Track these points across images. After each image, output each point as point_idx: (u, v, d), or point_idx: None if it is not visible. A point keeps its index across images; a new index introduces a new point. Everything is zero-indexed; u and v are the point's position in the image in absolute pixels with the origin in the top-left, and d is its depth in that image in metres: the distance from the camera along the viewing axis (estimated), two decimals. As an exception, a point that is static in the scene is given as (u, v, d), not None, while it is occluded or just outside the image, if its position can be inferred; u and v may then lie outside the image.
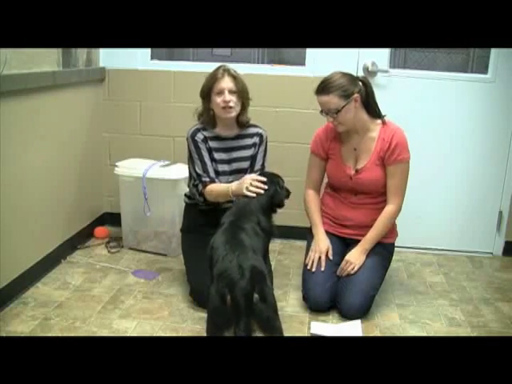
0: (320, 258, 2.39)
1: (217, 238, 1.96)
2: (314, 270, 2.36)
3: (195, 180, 2.40)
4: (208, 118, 2.39)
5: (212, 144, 2.41)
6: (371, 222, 2.40)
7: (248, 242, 1.91)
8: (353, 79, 2.32)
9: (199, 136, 2.39)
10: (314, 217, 2.49)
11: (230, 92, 2.31)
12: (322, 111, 2.32)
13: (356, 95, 2.28)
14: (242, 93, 2.34)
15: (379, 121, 2.37)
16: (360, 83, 2.33)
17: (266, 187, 2.15)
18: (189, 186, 2.51)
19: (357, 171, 2.37)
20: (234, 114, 2.35)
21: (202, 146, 2.39)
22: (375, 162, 2.35)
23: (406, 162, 2.34)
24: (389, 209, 2.36)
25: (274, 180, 2.21)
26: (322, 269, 2.36)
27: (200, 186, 2.37)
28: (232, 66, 2.46)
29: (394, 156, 2.32)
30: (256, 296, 1.75)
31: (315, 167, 2.51)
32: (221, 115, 2.36)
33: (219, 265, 1.82)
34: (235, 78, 2.32)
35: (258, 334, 1.81)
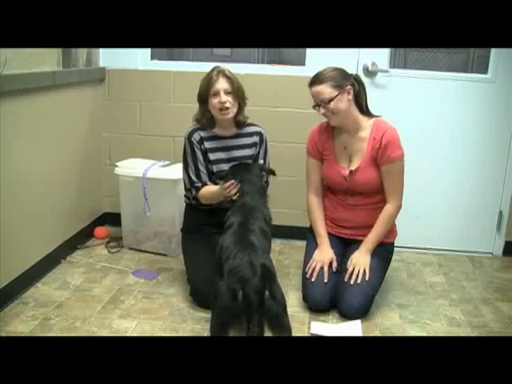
0: (322, 268, 2.37)
1: (226, 238, 1.98)
2: (313, 279, 2.35)
3: (188, 184, 2.42)
4: (206, 120, 2.39)
5: (208, 145, 2.41)
6: (370, 223, 2.40)
7: (257, 243, 1.94)
8: (345, 73, 2.34)
9: (195, 137, 2.39)
10: (319, 228, 2.47)
11: (226, 93, 2.31)
12: (314, 106, 2.33)
13: (349, 87, 2.29)
14: (237, 93, 2.34)
15: (371, 120, 2.37)
16: (352, 79, 2.34)
17: (235, 190, 2.16)
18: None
19: (351, 172, 2.36)
20: (230, 115, 2.35)
21: (197, 150, 2.39)
22: (368, 163, 2.34)
23: (399, 160, 2.32)
24: (388, 208, 2.36)
25: (240, 174, 2.23)
26: (326, 280, 2.34)
27: (193, 191, 2.40)
28: (232, 66, 2.47)
29: (386, 155, 2.30)
30: (266, 293, 1.77)
31: (313, 169, 2.50)
32: (218, 117, 2.36)
33: (231, 261, 1.84)
34: (229, 78, 2.32)
35: (267, 331, 1.81)
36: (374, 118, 2.38)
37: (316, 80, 2.30)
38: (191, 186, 2.41)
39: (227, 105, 2.31)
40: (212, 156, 2.42)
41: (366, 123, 2.37)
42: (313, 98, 2.32)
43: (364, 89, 2.40)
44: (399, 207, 2.38)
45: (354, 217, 2.42)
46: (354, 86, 2.33)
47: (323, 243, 2.44)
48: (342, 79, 2.29)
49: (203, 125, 2.41)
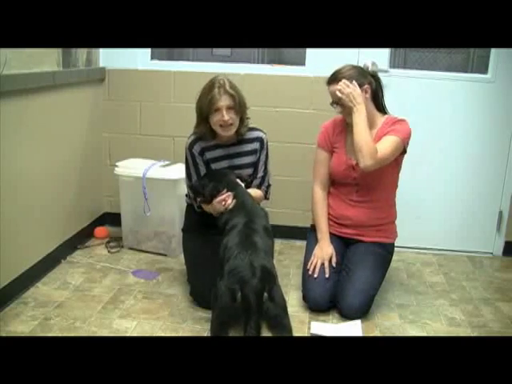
0: (323, 264, 2.37)
1: (231, 238, 1.98)
2: (315, 275, 2.35)
3: (192, 194, 2.40)
4: (207, 131, 2.34)
5: (210, 155, 2.38)
6: (370, 222, 2.41)
7: (260, 243, 1.94)
8: (363, 72, 2.35)
9: (196, 148, 2.36)
10: (321, 223, 2.46)
11: (228, 109, 2.24)
12: (332, 103, 2.33)
13: (366, 86, 2.30)
14: (240, 107, 2.28)
15: (385, 116, 2.38)
16: (370, 77, 2.35)
17: (230, 199, 2.15)
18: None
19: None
20: (233, 130, 2.30)
21: (199, 161, 2.37)
22: None
23: (397, 137, 2.27)
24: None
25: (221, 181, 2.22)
26: (327, 275, 2.34)
27: (197, 201, 2.35)
28: (232, 66, 2.46)
29: (389, 130, 2.30)
30: (265, 295, 1.77)
31: (321, 162, 2.49)
32: (220, 133, 2.31)
33: (231, 262, 1.85)
34: (232, 94, 2.24)
35: (268, 332, 1.81)
36: (386, 115, 2.40)
37: (334, 78, 2.30)
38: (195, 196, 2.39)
39: (230, 122, 2.25)
40: (214, 166, 2.39)
41: (381, 120, 2.38)
42: (331, 96, 2.33)
43: (381, 86, 2.40)
44: (373, 156, 2.20)
45: (356, 215, 2.42)
46: (372, 85, 2.34)
47: (324, 238, 2.44)
48: (360, 78, 2.29)
49: (204, 135, 2.36)
